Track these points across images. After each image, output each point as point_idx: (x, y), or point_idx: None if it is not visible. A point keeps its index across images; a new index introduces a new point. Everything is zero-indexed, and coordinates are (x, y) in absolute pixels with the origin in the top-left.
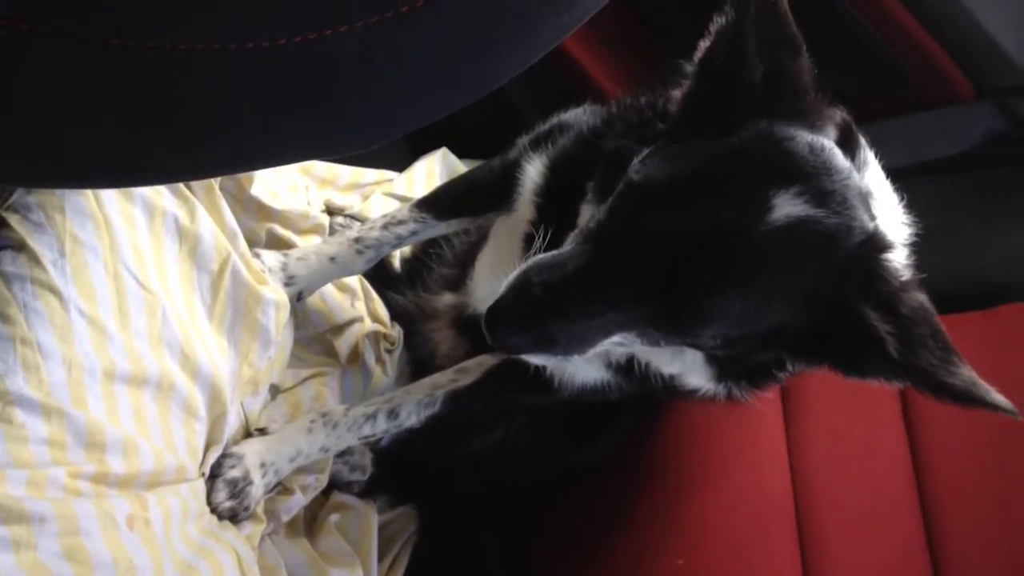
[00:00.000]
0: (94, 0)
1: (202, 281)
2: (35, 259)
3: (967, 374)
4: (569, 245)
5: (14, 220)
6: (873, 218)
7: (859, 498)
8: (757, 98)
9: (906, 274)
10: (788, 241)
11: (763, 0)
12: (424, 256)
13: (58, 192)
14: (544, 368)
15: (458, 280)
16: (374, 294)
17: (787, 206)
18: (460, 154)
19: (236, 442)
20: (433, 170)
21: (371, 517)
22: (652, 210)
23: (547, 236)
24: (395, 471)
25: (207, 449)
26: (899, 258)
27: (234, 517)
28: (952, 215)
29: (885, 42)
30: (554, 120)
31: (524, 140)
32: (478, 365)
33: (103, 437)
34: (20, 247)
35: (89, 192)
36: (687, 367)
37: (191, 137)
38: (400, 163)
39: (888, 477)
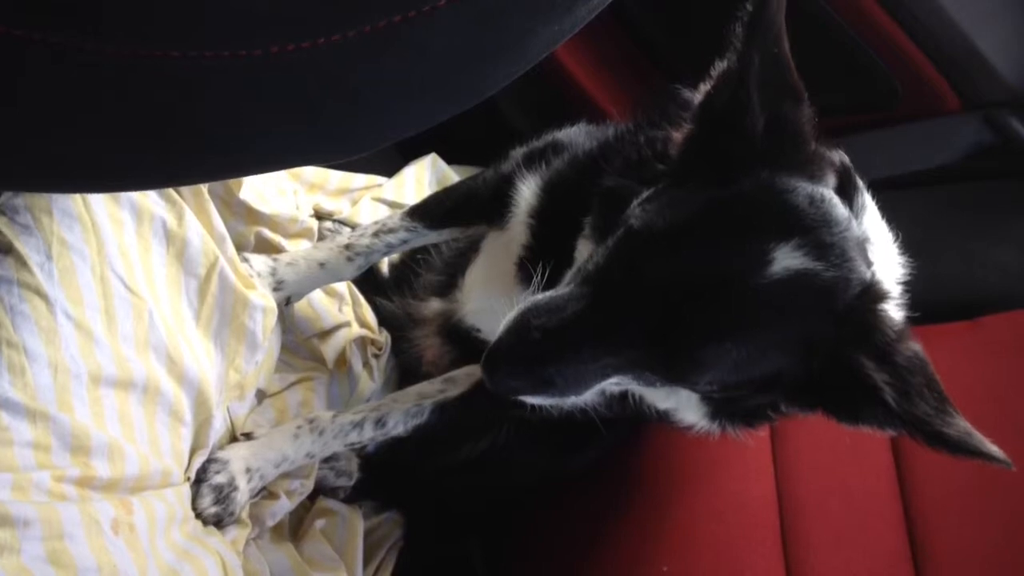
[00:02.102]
0: (88, 8)
1: (189, 285)
2: (22, 262)
3: (962, 424)
4: (567, 286)
5: (1, 222)
6: (870, 264)
7: (844, 508)
8: (758, 148)
9: (902, 323)
10: (786, 293)
11: (766, 50)
12: (412, 262)
13: (46, 195)
14: None
15: (446, 287)
16: (362, 299)
17: (786, 259)
18: (449, 160)
19: (222, 447)
20: (422, 176)
21: (357, 523)
22: (651, 258)
23: (545, 273)
24: (382, 477)
25: (192, 454)
26: (895, 306)
27: (219, 522)
28: (938, 226)
29: (875, 56)
30: (548, 138)
31: (517, 154)
32: (467, 376)
33: (88, 441)
34: (7, 250)
35: (77, 195)
36: (681, 404)
37: (182, 143)
38: (389, 168)
39: (873, 488)
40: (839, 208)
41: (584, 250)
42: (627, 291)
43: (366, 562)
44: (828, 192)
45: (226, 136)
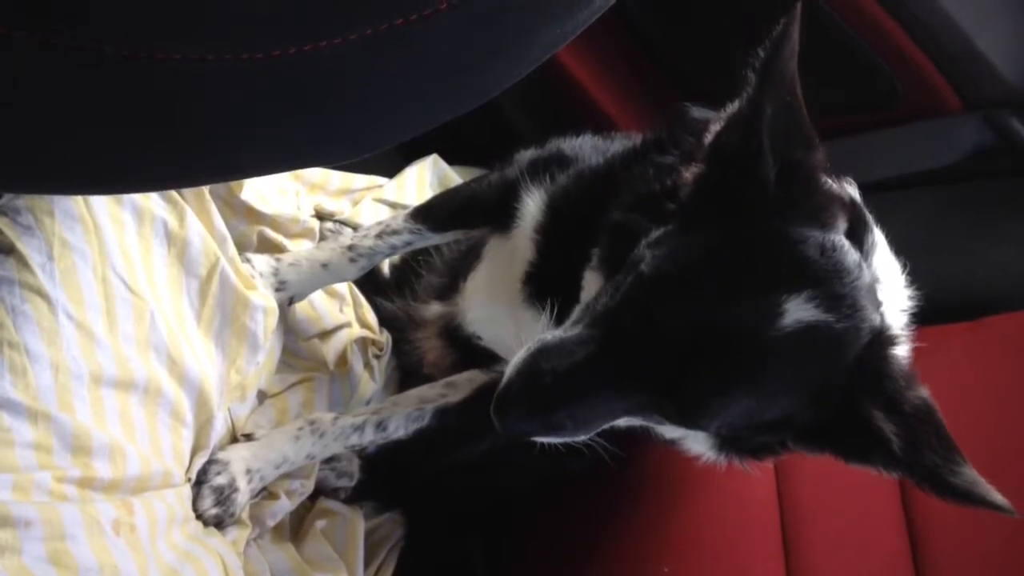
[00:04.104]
0: (89, 8)
1: (190, 285)
2: (23, 262)
3: (968, 474)
4: (575, 325)
5: (3, 223)
6: (879, 307)
7: (844, 510)
8: (770, 195)
9: (910, 368)
10: (797, 345)
11: (779, 97)
12: (413, 263)
13: (47, 196)
14: None
15: (447, 289)
16: (363, 300)
17: (798, 311)
18: (451, 161)
19: (222, 447)
20: (424, 176)
21: (357, 523)
22: (662, 306)
23: (555, 309)
24: (382, 478)
25: (193, 454)
26: (903, 348)
27: (219, 523)
28: (939, 226)
29: (875, 55)
30: (553, 147)
31: (523, 160)
32: (468, 381)
33: (89, 441)
34: (8, 250)
35: (79, 196)
36: (689, 435)
37: (183, 146)
38: (391, 169)
39: (873, 490)
40: (850, 256)
41: (592, 283)
42: (638, 339)
43: (367, 563)
44: (839, 239)
45: (226, 138)
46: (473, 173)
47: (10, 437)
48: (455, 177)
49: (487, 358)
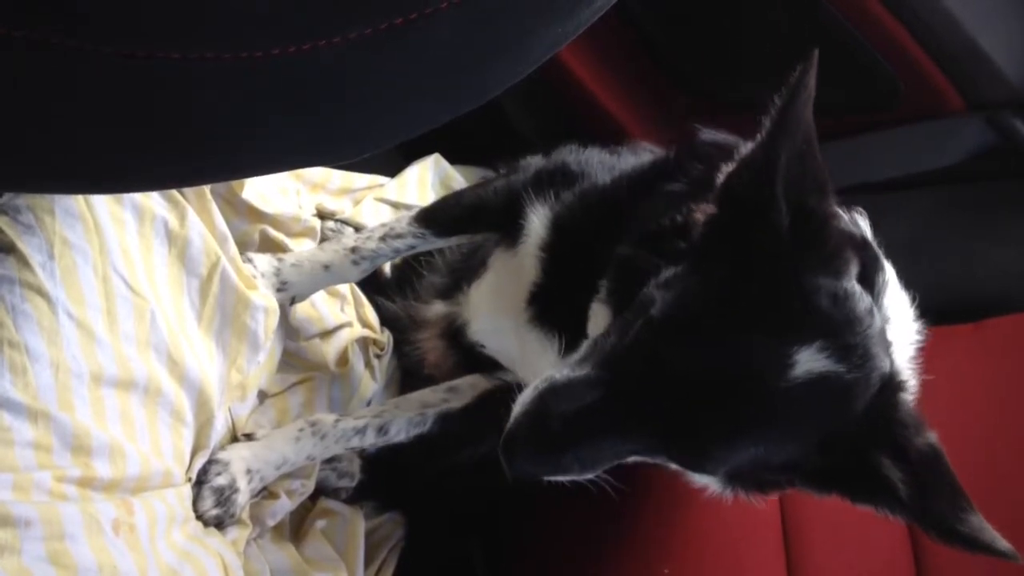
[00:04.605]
0: (88, 8)
1: (191, 285)
2: (24, 261)
3: (974, 521)
4: (583, 364)
5: (3, 222)
6: (889, 348)
7: (845, 508)
8: (783, 243)
9: (916, 412)
10: (807, 395)
11: (793, 146)
12: (415, 263)
13: (48, 195)
14: None
15: (449, 290)
16: (364, 299)
17: (809, 362)
18: (452, 160)
19: (222, 447)
20: (425, 176)
21: (358, 523)
22: (672, 353)
23: (562, 343)
24: (383, 478)
25: (194, 454)
26: (911, 393)
27: (220, 524)
28: (942, 227)
29: (877, 55)
30: (558, 161)
31: (528, 170)
32: (471, 387)
33: (89, 441)
34: (9, 249)
35: (79, 195)
36: None
37: (183, 146)
38: (392, 168)
39: None
40: (863, 303)
41: (600, 315)
42: (646, 385)
43: (367, 563)
44: (852, 287)
45: (226, 138)
46: (475, 173)
47: (10, 436)
48: (457, 177)
49: (489, 364)
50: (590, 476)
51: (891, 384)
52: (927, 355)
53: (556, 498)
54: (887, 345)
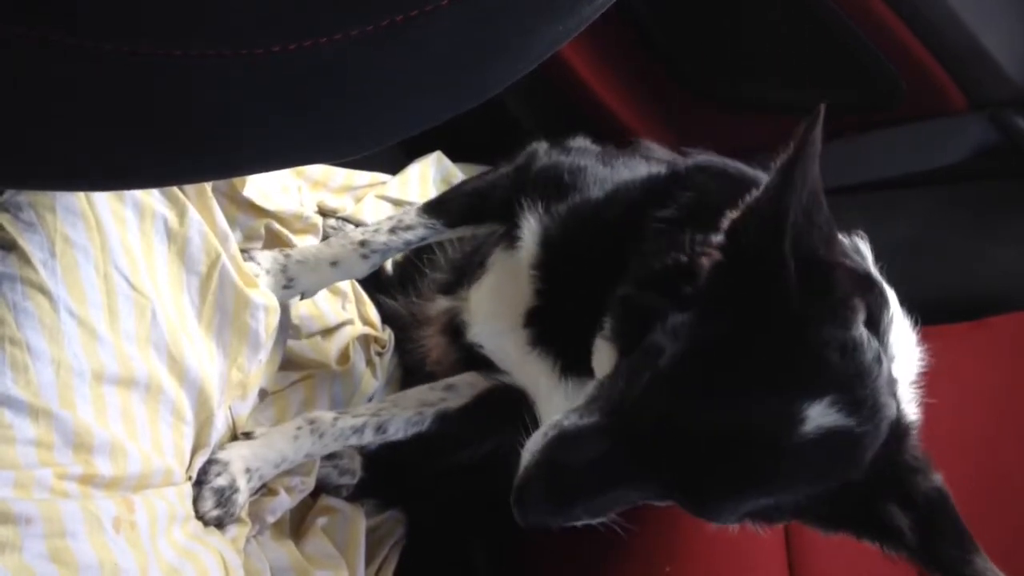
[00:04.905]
0: (86, 6)
1: (191, 283)
2: (25, 259)
3: (980, 563)
4: (591, 413)
5: (4, 219)
6: (895, 388)
7: None
8: (791, 296)
9: (922, 454)
10: (817, 450)
11: (801, 202)
12: (417, 260)
13: (49, 192)
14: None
15: (452, 285)
16: (365, 297)
17: (820, 418)
18: (454, 158)
19: (222, 446)
20: (427, 173)
21: (359, 521)
22: (681, 409)
23: (561, 363)
24: (384, 475)
25: (194, 452)
26: (915, 434)
27: (220, 524)
28: (943, 226)
29: (879, 53)
30: (556, 161)
31: (533, 159)
32: (469, 385)
33: (90, 439)
34: (10, 247)
35: (80, 192)
36: None
37: (183, 144)
38: (393, 166)
39: None
40: (871, 351)
41: (604, 353)
42: (656, 438)
43: (368, 560)
44: (860, 336)
45: (226, 135)
46: (477, 170)
47: (11, 434)
48: (458, 174)
49: (489, 364)
50: (600, 520)
51: (898, 429)
52: (927, 354)
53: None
54: (894, 387)
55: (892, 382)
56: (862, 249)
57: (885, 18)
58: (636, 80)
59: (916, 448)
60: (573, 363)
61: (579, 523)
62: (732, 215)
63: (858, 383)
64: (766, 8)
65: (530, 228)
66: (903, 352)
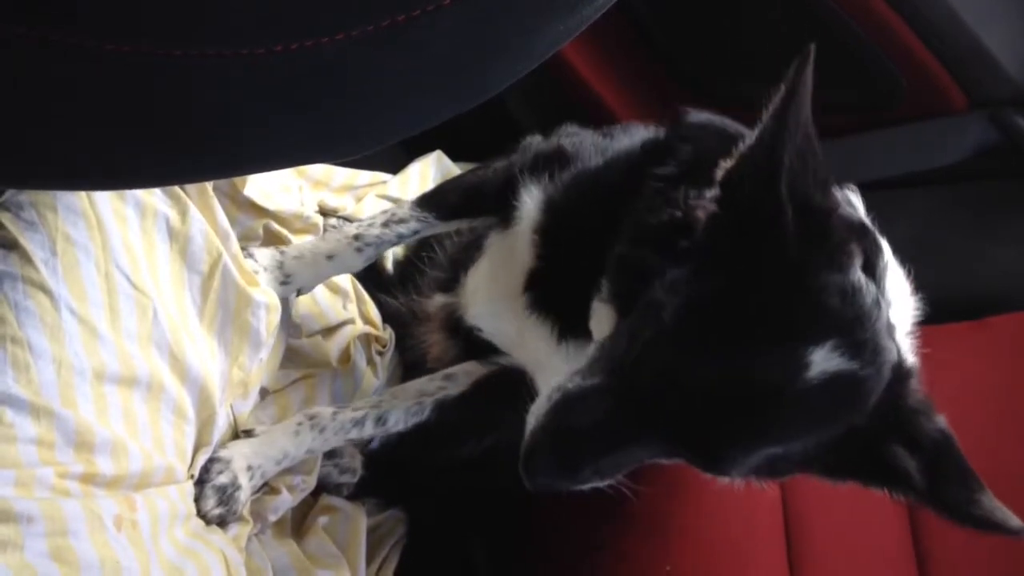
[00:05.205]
0: (88, 5)
1: (192, 282)
2: (27, 258)
3: (987, 503)
4: (594, 374)
5: (6, 218)
6: (893, 332)
7: (847, 507)
8: (789, 243)
9: (925, 397)
10: (823, 395)
11: (795, 146)
12: (416, 259)
13: (50, 191)
14: (534, 386)
15: (449, 282)
16: (366, 296)
17: (823, 362)
18: (455, 157)
19: (223, 444)
20: (427, 172)
21: (360, 519)
22: (686, 365)
23: (560, 328)
24: (385, 474)
25: (196, 451)
26: (917, 378)
27: (222, 522)
28: (944, 226)
29: (880, 53)
30: (554, 144)
31: (527, 150)
32: (466, 374)
33: (92, 437)
34: (12, 246)
35: (81, 192)
36: None
37: (183, 144)
38: (394, 165)
39: None
40: (870, 295)
41: (603, 315)
42: (661, 395)
43: (369, 559)
44: (858, 280)
45: (226, 134)
46: None
47: (12, 433)
48: (459, 173)
49: (488, 349)
50: (608, 482)
51: (900, 372)
52: (928, 354)
53: (558, 496)
54: (893, 331)
55: (891, 325)
56: (854, 201)
57: (886, 18)
58: (636, 79)
59: (919, 391)
60: (572, 327)
61: (587, 486)
62: (726, 164)
63: (859, 326)
64: (766, 8)
65: (532, 197)
66: (899, 299)
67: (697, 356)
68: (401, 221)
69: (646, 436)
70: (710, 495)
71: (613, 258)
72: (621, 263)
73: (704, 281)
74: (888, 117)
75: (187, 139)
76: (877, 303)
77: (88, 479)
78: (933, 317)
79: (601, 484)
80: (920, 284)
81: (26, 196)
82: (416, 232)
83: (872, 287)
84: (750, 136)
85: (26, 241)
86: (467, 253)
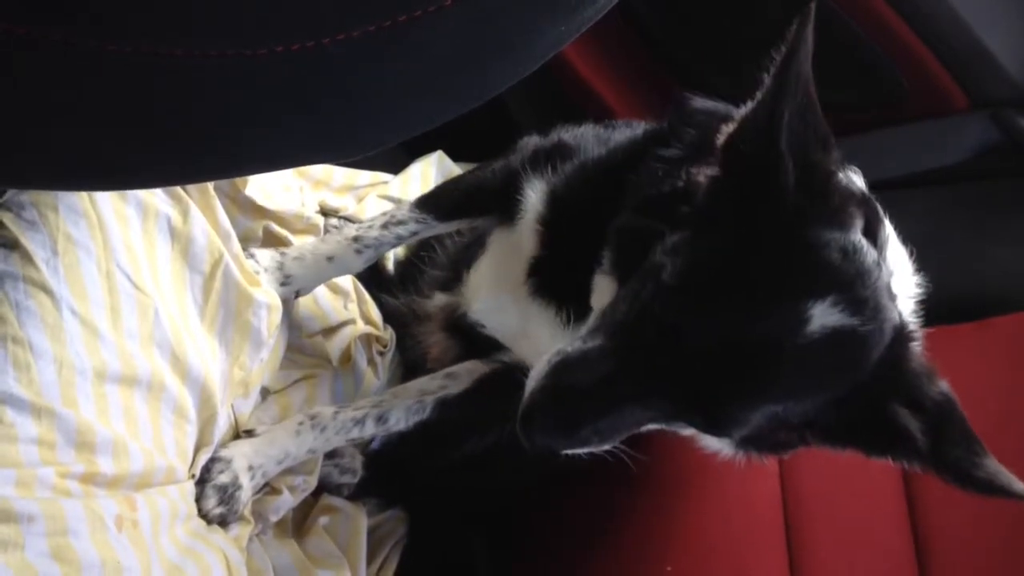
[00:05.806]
0: (87, 6)
1: (194, 282)
2: (28, 258)
3: (991, 466)
4: (594, 338)
5: (7, 218)
6: (895, 300)
7: (848, 508)
8: (789, 200)
9: (927, 361)
10: (824, 350)
11: (795, 102)
12: (417, 259)
13: (51, 191)
14: None
15: (450, 281)
16: (367, 296)
17: (824, 317)
18: (456, 157)
19: (224, 444)
20: (428, 173)
21: (360, 520)
22: (685, 319)
23: (562, 308)
24: (386, 474)
25: (197, 451)
26: (919, 342)
27: (223, 522)
28: (945, 226)
29: (881, 53)
30: (555, 138)
31: (526, 148)
32: (468, 372)
33: (93, 437)
34: (13, 245)
35: (83, 192)
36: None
37: (184, 144)
38: (395, 165)
39: (877, 487)
40: (870, 255)
41: (603, 287)
42: (662, 353)
43: (369, 559)
44: (859, 240)
45: (227, 135)
46: None
47: (13, 432)
48: (459, 173)
49: (489, 347)
50: (608, 447)
51: (902, 335)
52: (928, 354)
53: (559, 495)
54: (894, 297)
55: (892, 291)
56: (855, 179)
57: (886, 17)
58: (637, 80)
59: (921, 355)
60: (576, 311)
61: (586, 449)
62: (727, 129)
63: (859, 283)
64: (766, 8)
65: (535, 190)
66: (900, 272)
67: (697, 313)
68: (400, 223)
69: (646, 395)
70: (710, 494)
71: (615, 229)
72: (622, 232)
73: (704, 242)
74: (888, 117)
75: (188, 139)
76: (878, 264)
77: (89, 479)
78: (934, 317)
79: (600, 449)
80: (922, 285)
81: (27, 196)
82: (415, 233)
83: (873, 251)
84: (752, 101)
85: (27, 241)
86: (468, 252)
